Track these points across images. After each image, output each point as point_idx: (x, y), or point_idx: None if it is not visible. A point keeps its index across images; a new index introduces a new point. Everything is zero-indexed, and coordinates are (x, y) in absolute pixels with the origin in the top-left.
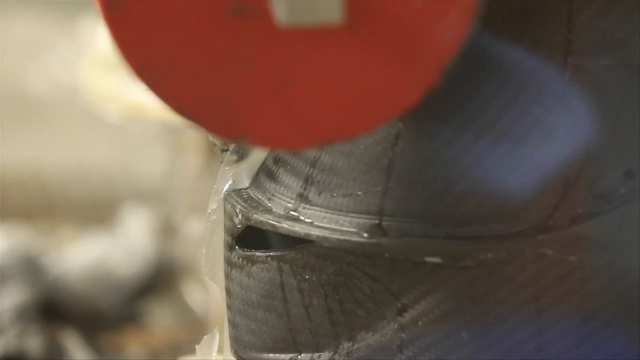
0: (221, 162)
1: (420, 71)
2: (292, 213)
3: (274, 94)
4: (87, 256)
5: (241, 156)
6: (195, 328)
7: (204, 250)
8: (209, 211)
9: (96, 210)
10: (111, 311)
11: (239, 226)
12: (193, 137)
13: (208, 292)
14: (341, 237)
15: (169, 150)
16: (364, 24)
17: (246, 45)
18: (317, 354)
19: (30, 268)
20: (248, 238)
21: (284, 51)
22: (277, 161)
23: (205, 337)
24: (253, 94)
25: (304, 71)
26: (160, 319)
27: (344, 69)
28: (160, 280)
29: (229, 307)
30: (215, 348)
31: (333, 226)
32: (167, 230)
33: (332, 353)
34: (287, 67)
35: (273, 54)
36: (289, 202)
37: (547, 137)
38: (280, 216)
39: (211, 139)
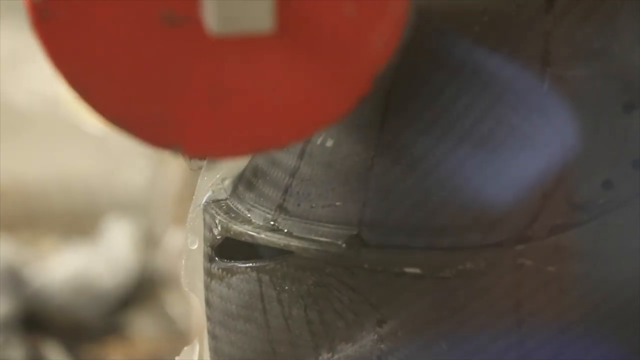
0: (192, 169)
1: (351, 80)
2: (271, 224)
3: (206, 102)
4: (69, 267)
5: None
6: (177, 339)
7: (183, 261)
8: (188, 222)
9: (78, 222)
10: (93, 322)
11: (218, 237)
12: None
13: (189, 303)
14: (320, 248)
15: (150, 162)
16: (295, 33)
17: (177, 53)
18: None
19: (12, 279)
20: (227, 249)
21: (216, 60)
22: (256, 172)
23: (185, 348)
24: (185, 103)
25: (236, 79)
26: (142, 330)
27: (275, 77)
28: (142, 291)
29: (208, 318)
30: (195, 359)
31: (312, 237)
32: (149, 241)
33: None
34: (218, 76)
35: (204, 63)
36: (267, 213)
37: (524, 147)
38: (259, 227)
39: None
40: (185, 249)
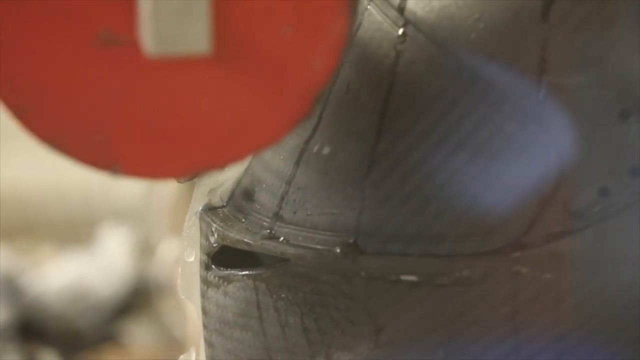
0: (180, 182)
1: (290, 102)
2: (267, 231)
3: (144, 123)
4: (65, 275)
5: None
6: (173, 347)
7: (179, 269)
8: (185, 230)
9: (74, 230)
10: (89, 330)
11: (214, 245)
12: None
13: (185, 311)
14: (317, 256)
15: None
16: (233, 55)
17: (115, 74)
18: None
19: (8, 287)
20: (224, 257)
21: (153, 81)
22: (252, 180)
23: (182, 356)
24: (123, 124)
25: (174, 101)
26: (138, 338)
27: (214, 99)
28: (138, 299)
29: (204, 326)
30: None
31: (309, 244)
32: (145, 250)
33: None
34: (156, 97)
35: (142, 84)
36: (264, 221)
37: (521, 155)
38: (255, 235)
39: None
40: (181, 257)
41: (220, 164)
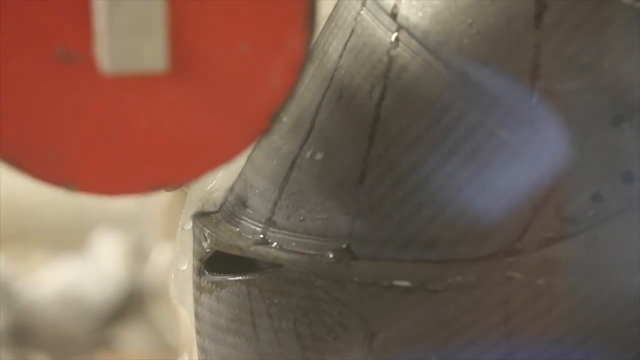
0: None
1: (248, 118)
2: (260, 237)
3: (101, 140)
4: (58, 281)
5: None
6: (166, 352)
7: (172, 275)
8: (177, 236)
9: (67, 236)
10: (82, 336)
11: (207, 250)
12: None
13: (178, 316)
14: (310, 261)
15: None
16: (191, 72)
17: (72, 91)
18: None
19: (1, 293)
20: (217, 262)
21: (110, 98)
22: (245, 185)
23: None
24: (80, 141)
25: (131, 118)
26: (131, 344)
27: (171, 116)
28: (131, 305)
29: (197, 332)
30: None
31: (302, 250)
32: (138, 255)
33: None
34: (114, 114)
35: (99, 101)
36: (257, 226)
37: (514, 160)
38: (248, 240)
39: None
40: (174, 263)
41: (178, 181)
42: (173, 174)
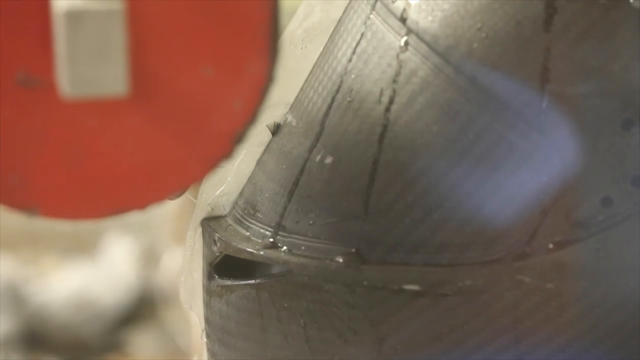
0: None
1: (211, 142)
2: (270, 241)
3: (63, 165)
4: (70, 285)
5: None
6: (177, 356)
7: (182, 279)
8: (188, 240)
9: (78, 240)
10: (94, 339)
11: (217, 254)
12: None
13: (189, 320)
14: (319, 265)
15: None
16: (152, 96)
17: (33, 116)
18: None
19: (13, 297)
20: (227, 266)
21: (72, 122)
22: (255, 189)
23: None
24: (42, 166)
25: (93, 142)
26: (142, 347)
27: (133, 140)
28: (142, 308)
29: (207, 336)
30: None
31: (311, 254)
32: (149, 259)
33: None
34: (75, 138)
35: (61, 125)
36: (266, 230)
37: (523, 164)
38: (258, 244)
39: None
40: (184, 267)
41: (140, 206)
42: (134, 198)
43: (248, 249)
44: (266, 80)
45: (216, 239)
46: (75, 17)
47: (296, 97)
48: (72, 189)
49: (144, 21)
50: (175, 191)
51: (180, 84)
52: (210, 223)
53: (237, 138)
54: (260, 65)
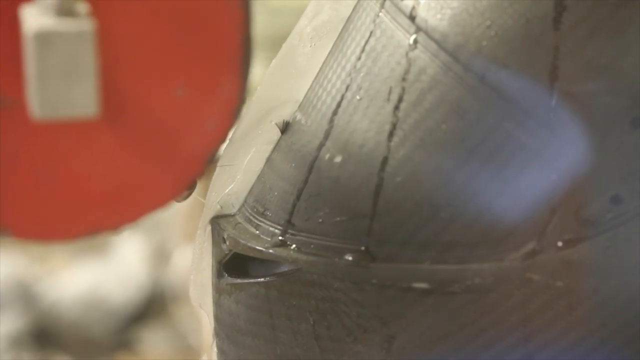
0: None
1: (183, 163)
2: (279, 239)
3: (34, 186)
4: (80, 283)
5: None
6: (188, 354)
7: (191, 277)
8: (197, 238)
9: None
10: (104, 338)
11: (226, 252)
12: None
13: (200, 318)
14: (328, 263)
15: None
16: (123, 117)
17: (4, 137)
18: None
19: (23, 295)
20: (236, 264)
21: (43, 143)
22: (264, 187)
23: None
24: (13, 187)
25: (64, 163)
26: (153, 346)
27: (105, 161)
28: (153, 307)
29: (217, 334)
30: None
31: (320, 252)
32: (160, 257)
33: None
34: (47, 159)
35: (32, 146)
36: (276, 228)
37: (532, 162)
38: (267, 242)
39: None
40: (193, 265)
41: (113, 226)
42: (107, 218)
43: (257, 247)
44: (238, 100)
45: (225, 237)
46: (45, 38)
47: (305, 96)
48: (44, 210)
49: (115, 42)
50: (147, 212)
51: (152, 105)
52: (220, 221)
53: (209, 158)
54: (232, 86)
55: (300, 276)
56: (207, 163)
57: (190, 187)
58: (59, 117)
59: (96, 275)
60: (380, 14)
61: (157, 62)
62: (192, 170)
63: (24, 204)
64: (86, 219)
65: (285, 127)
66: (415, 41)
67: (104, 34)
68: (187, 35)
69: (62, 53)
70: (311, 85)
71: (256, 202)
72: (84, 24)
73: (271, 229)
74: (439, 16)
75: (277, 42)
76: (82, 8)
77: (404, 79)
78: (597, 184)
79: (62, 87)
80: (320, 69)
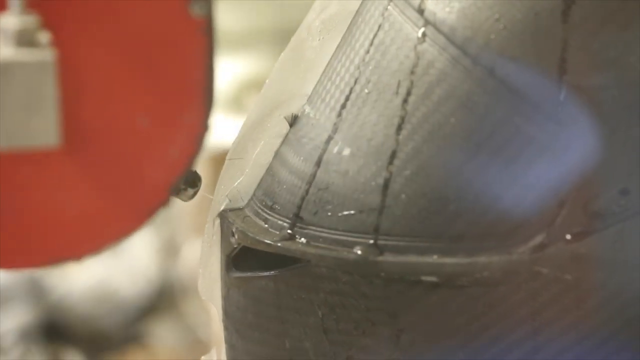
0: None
1: (146, 193)
2: (287, 232)
3: None
4: (90, 277)
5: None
6: (197, 348)
7: (200, 271)
8: (206, 231)
9: None
10: (113, 331)
11: (235, 246)
12: None
13: (209, 312)
14: (337, 256)
15: None
16: (86, 146)
17: None
18: None
19: (33, 289)
20: (244, 257)
21: (4, 174)
22: (273, 180)
23: (203, 357)
24: None
25: (26, 193)
26: (162, 339)
27: (66, 191)
28: (163, 300)
29: (225, 328)
30: None
31: (329, 245)
32: (170, 251)
33: None
34: (8, 190)
35: None
36: (284, 222)
37: (541, 156)
38: (275, 236)
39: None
40: (202, 258)
41: (76, 255)
42: (70, 248)
43: (266, 241)
44: (201, 129)
45: (234, 230)
46: (5, 68)
47: (314, 89)
48: (6, 239)
49: (77, 72)
50: (111, 241)
51: (115, 134)
52: (229, 215)
53: (173, 187)
54: (195, 114)
55: (308, 270)
56: (170, 192)
57: (195, 185)
58: (20, 147)
59: (105, 268)
60: (389, 7)
61: (119, 91)
62: (155, 199)
63: None
64: (47, 248)
65: (293, 121)
66: (424, 34)
67: (65, 63)
68: (149, 64)
69: (23, 83)
70: (320, 79)
71: (265, 195)
72: (45, 54)
73: (280, 222)
74: (447, 9)
75: (285, 36)
76: (44, 38)
77: (412, 73)
78: (605, 178)
79: (23, 117)
80: (329, 62)
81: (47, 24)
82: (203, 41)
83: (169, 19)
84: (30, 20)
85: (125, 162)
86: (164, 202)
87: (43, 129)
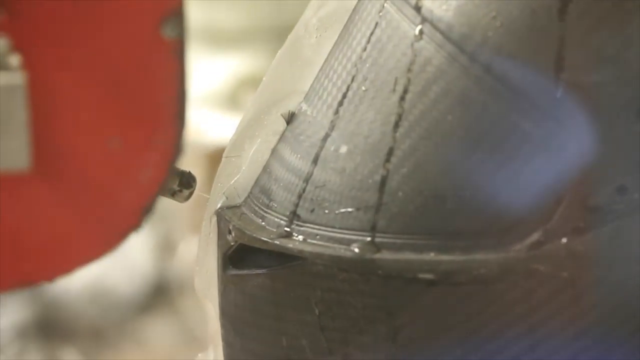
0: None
1: (118, 215)
2: (284, 230)
3: None
4: (86, 274)
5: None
6: (194, 346)
7: (196, 268)
8: (203, 229)
9: None
10: (110, 328)
11: (232, 243)
12: (191, 154)
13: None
14: (334, 254)
15: None
16: (57, 170)
17: None
18: None
19: None
20: (241, 255)
21: None
22: (270, 178)
23: (200, 355)
24: None
25: None
26: (159, 337)
27: (36, 215)
28: (159, 298)
29: (222, 325)
30: None
31: (325, 243)
32: (166, 248)
33: None
34: None
35: None
36: (281, 219)
37: (538, 153)
38: (272, 233)
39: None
40: (198, 256)
41: (47, 278)
42: (41, 270)
43: (262, 238)
44: (174, 152)
45: (231, 228)
46: None
47: (311, 86)
48: None
49: (48, 94)
50: (82, 264)
51: (86, 157)
52: (225, 212)
53: (145, 210)
54: (168, 137)
55: (305, 267)
56: (143, 214)
57: (190, 186)
58: None
59: (102, 266)
60: (386, 4)
61: (91, 114)
62: (127, 222)
63: None
64: (18, 271)
65: (290, 118)
66: (421, 32)
67: (36, 86)
68: (121, 87)
69: None
70: (317, 76)
71: (262, 193)
72: (15, 77)
73: (277, 219)
74: (444, 7)
75: (282, 34)
76: (14, 60)
77: (409, 70)
78: (603, 175)
79: None
80: (326, 60)
81: (18, 46)
82: (175, 63)
83: (141, 40)
84: (0, 43)
85: (97, 185)
86: (136, 225)
87: (13, 152)
